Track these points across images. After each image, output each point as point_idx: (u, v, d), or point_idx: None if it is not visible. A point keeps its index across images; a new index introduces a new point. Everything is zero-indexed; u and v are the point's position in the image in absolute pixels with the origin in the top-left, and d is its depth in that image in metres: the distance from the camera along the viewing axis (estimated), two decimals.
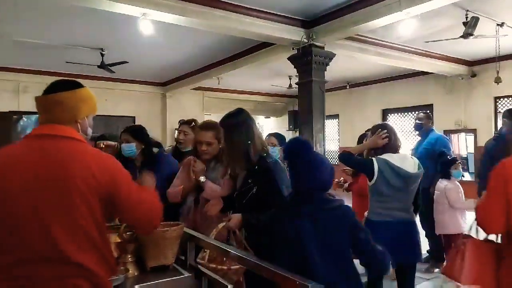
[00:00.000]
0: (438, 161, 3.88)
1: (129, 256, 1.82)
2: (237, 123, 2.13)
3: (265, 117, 14.39)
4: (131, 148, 2.70)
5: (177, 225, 1.93)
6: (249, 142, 2.07)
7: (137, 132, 2.78)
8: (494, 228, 1.76)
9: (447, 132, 9.08)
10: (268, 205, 2.02)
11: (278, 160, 2.19)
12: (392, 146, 2.78)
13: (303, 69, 5.97)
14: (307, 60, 5.78)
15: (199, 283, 1.91)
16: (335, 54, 5.97)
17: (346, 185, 3.63)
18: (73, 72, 8.40)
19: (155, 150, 2.86)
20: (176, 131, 3.32)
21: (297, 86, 6.26)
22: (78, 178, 1.34)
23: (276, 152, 2.89)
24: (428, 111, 4.79)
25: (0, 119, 8.43)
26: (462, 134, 8.94)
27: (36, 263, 1.31)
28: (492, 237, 1.89)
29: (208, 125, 2.44)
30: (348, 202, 3.86)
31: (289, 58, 6.10)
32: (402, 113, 10.32)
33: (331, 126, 11.75)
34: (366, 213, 2.85)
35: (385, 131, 2.80)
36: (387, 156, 2.68)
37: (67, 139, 1.43)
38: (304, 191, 1.77)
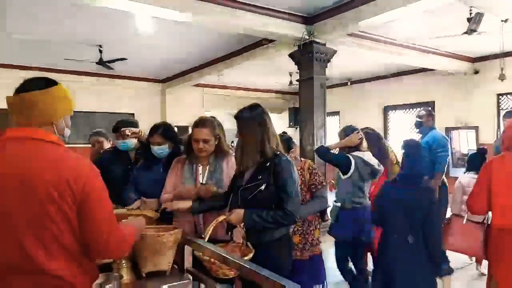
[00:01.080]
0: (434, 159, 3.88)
1: (123, 262, 1.76)
2: (253, 117, 2.07)
3: None
4: (163, 150, 2.61)
5: (174, 229, 1.87)
6: (265, 137, 2.03)
7: (168, 132, 2.65)
8: (477, 210, 2.37)
9: (449, 129, 9.01)
10: (274, 204, 1.97)
11: (290, 159, 2.11)
12: (363, 145, 3.21)
13: (304, 66, 5.88)
14: (308, 57, 5.70)
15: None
16: (336, 51, 5.89)
17: None
18: (71, 68, 8.33)
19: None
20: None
21: (297, 82, 6.18)
22: (51, 185, 1.27)
23: None
24: (430, 109, 4.69)
25: None
26: (464, 131, 8.86)
27: (10, 275, 1.26)
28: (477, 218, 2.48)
29: (203, 122, 2.35)
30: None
31: (290, 55, 6.02)
32: (404, 110, 10.23)
33: (332, 124, 11.67)
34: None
35: (360, 132, 3.24)
36: (359, 154, 3.13)
37: (41, 142, 1.35)
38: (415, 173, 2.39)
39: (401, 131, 10.28)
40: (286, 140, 2.91)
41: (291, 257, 2.21)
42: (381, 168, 3.18)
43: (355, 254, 3.26)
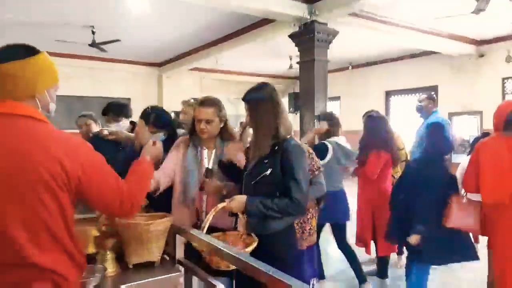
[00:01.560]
0: None
1: (108, 253, 1.60)
2: (264, 98, 1.88)
3: None
4: (157, 138, 2.39)
5: (164, 217, 1.70)
6: (278, 119, 1.84)
7: (159, 121, 2.44)
8: (468, 188, 2.55)
9: (452, 114, 8.82)
10: (279, 190, 1.80)
11: (299, 143, 1.94)
12: (336, 131, 3.29)
13: (304, 47, 5.66)
14: (309, 38, 5.47)
15: (190, 281, 1.70)
16: (338, 32, 5.65)
17: (351, 170, 3.39)
18: (64, 51, 8.07)
19: (180, 131, 2.65)
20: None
21: (297, 66, 5.96)
22: (42, 166, 1.12)
23: None
24: (433, 93, 4.53)
25: None
26: (467, 117, 8.68)
27: None
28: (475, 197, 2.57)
29: (208, 101, 2.16)
30: (351, 187, 3.68)
31: (290, 36, 5.79)
32: (406, 95, 10.03)
33: (332, 109, 11.44)
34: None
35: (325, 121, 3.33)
36: (335, 139, 3.25)
37: (26, 119, 1.18)
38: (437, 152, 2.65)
39: (403, 116, 10.08)
40: None
41: (296, 250, 2.07)
42: (355, 152, 3.31)
43: (336, 235, 3.33)
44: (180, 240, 1.77)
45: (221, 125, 2.19)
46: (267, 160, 1.83)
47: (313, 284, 2.58)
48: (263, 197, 1.78)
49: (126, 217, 1.44)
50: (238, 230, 1.91)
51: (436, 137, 2.66)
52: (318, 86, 5.56)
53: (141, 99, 9.52)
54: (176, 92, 10.66)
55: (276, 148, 1.83)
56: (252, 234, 1.79)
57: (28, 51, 1.23)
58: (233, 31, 7.02)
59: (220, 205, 1.78)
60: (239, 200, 1.78)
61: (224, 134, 2.21)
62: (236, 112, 17.88)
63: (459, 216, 2.52)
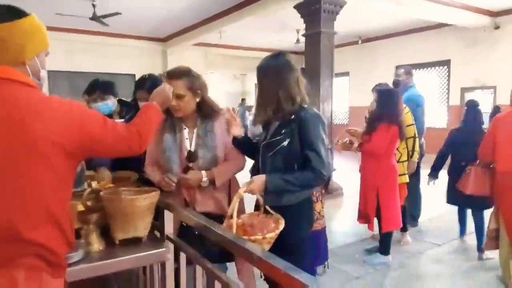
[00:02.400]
0: None
1: (92, 228, 1.53)
2: (269, 66, 1.78)
3: None
4: None
5: (152, 191, 1.62)
6: (281, 88, 1.74)
7: (156, 86, 2.28)
8: (483, 157, 2.93)
9: (465, 90, 8.55)
10: (297, 162, 1.71)
11: (318, 112, 1.82)
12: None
13: (310, 18, 5.43)
14: (315, 8, 5.24)
15: (178, 258, 1.64)
16: (346, 2, 5.40)
17: (356, 145, 3.27)
18: (65, 26, 7.92)
19: None
20: None
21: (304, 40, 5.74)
22: (38, 135, 1.06)
23: None
24: (410, 67, 4.45)
25: None
26: (480, 92, 8.39)
27: None
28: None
29: (176, 73, 1.88)
30: (354, 162, 3.57)
31: (295, 6, 5.56)
32: (417, 70, 9.71)
33: (341, 85, 11.19)
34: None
35: None
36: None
37: (19, 85, 1.11)
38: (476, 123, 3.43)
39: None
40: None
41: (312, 224, 1.95)
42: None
43: None
44: (168, 216, 1.70)
45: (197, 100, 1.90)
46: (284, 130, 1.74)
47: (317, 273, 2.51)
48: (280, 171, 1.72)
49: (139, 151, 1.40)
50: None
51: (474, 112, 3.47)
52: (324, 59, 5.37)
53: None
54: None
55: (293, 117, 1.74)
56: (272, 212, 1.69)
57: (14, 13, 1.14)
58: (237, 2, 6.78)
59: (242, 190, 1.67)
60: (259, 179, 1.69)
61: (204, 110, 1.92)
62: (242, 88, 17.72)
63: (476, 184, 3.03)
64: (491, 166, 2.96)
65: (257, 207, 1.82)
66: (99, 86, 2.59)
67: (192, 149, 1.93)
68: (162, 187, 1.83)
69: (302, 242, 1.84)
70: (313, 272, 1.87)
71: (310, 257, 1.94)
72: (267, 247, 1.57)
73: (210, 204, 1.93)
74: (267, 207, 1.71)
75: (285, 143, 1.73)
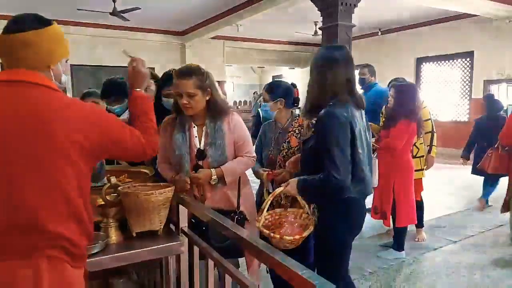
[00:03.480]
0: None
1: (111, 221, 1.62)
2: (316, 58, 1.74)
3: (289, 68, 13.77)
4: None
5: (167, 187, 1.69)
6: (326, 83, 1.68)
7: None
8: (504, 141, 3.30)
9: (488, 82, 8.31)
10: (319, 163, 1.63)
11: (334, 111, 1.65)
12: None
13: (328, 11, 5.38)
14: (333, 1, 5.18)
15: (192, 251, 1.71)
16: None
17: (373, 141, 3.24)
18: (86, 20, 8.11)
19: None
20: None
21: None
22: (61, 134, 1.13)
23: (267, 108, 2.28)
24: (371, 65, 4.49)
25: None
26: (504, 85, 8.15)
27: (3, 231, 1.13)
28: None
29: (186, 71, 1.88)
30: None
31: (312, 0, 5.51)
32: (439, 62, 9.49)
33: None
34: None
35: None
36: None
37: (43, 88, 1.18)
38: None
39: (434, 85, 9.60)
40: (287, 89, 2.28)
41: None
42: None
43: None
44: (183, 211, 1.77)
45: (207, 98, 1.91)
46: (314, 128, 1.73)
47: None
48: (312, 168, 1.68)
49: (152, 155, 1.45)
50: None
51: (493, 103, 4.61)
52: None
53: (164, 69, 9.52)
54: (199, 61, 10.44)
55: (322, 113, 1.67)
56: (309, 212, 1.73)
57: (42, 21, 1.22)
58: None
59: (278, 190, 1.73)
60: (292, 184, 1.70)
61: (213, 108, 1.93)
62: (259, 81, 17.66)
63: (496, 165, 3.61)
64: (506, 148, 3.52)
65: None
66: (111, 89, 2.62)
67: (202, 147, 1.96)
68: (175, 185, 1.84)
69: (339, 245, 1.76)
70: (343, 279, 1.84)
71: (346, 263, 1.83)
72: (290, 246, 1.60)
73: (220, 200, 1.99)
74: (300, 201, 1.73)
75: (312, 142, 1.71)
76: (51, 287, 1.14)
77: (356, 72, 1.89)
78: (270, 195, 1.72)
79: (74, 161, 1.16)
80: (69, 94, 9.11)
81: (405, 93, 3.16)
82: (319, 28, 5.75)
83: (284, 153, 2.16)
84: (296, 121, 2.20)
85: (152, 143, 1.38)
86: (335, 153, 1.58)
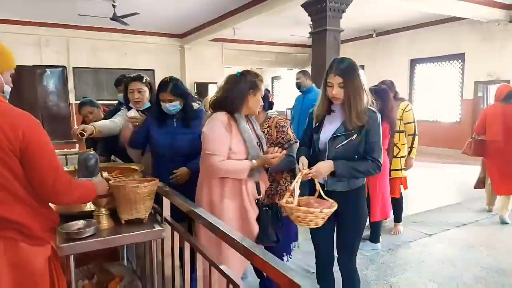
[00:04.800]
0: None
1: (102, 210, 1.87)
2: (355, 67, 2.02)
3: (288, 69, 14.02)
4: (175, 106, 2.51)
5: (152, 181, 1.95)
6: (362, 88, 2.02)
7: (177, 89, 2.52)
8: (477, 132, 4.43)
9: (478, 83, 8.51)
10: (358, 154, 2.03)
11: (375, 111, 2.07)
12: None
13: (317, 17, 5.63)
14: (321, 7, 5.44)
15: (173, 236, 1.97)
16: (352, 0, 5.56)
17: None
18: (87, 25, 8.38)
19: (195, 105, 2.68)
20: (128, 92, 2.81)
21: None
22: None
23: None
24: (305, 70, 4.89)
25: (25, 73, 8.73)
26: (494, 86, 8.33)
27: None
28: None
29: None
30: None
31: (303, 5, 5.76)
32: (432, 63, 9.71)
33: None
34: None
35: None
36: None
37: None
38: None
39: (428, 86, 9.81)
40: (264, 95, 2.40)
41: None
42: None
43: None
44: (166, 202, 2.02)
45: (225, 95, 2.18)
46: (352, 127, 2.01)
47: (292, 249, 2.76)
48: (348, 160, 2.00)
49: (54, 199, 1.53)
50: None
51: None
52: (330, 57, 5.55)
53: (164, 71, 9.81)
54: (198, 63, 10.87)
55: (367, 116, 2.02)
56: (326, 197, 1.95)
57: None
58: (249, 1, 7.02)
59: (306, 171, 1.94)
60: (326, 166, 1.97)
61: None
62: None
63: (476, 149, 4.42)
64: (479, 138, 4.40)
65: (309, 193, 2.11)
66: (126, 81, 2.93)
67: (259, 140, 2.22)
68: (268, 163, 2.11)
69: (363, 221, 2.16)
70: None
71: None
72: (321, 222, 1.84)
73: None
74: (321, 193, 1.97)
75: (353, 137, 2.00)
76: (10, 263, 1.40)
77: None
78: (297, 178, 1.91)
79: (3, 160, 1.35)
80: (71, 95, 9.41)
81: (376, 96, 3.39)
82: (309, 33, 5.99)
83: None
84: (266, 122, 2.45)
85: (69, 186, 1.49)
86: (381, 145, 2.05)
